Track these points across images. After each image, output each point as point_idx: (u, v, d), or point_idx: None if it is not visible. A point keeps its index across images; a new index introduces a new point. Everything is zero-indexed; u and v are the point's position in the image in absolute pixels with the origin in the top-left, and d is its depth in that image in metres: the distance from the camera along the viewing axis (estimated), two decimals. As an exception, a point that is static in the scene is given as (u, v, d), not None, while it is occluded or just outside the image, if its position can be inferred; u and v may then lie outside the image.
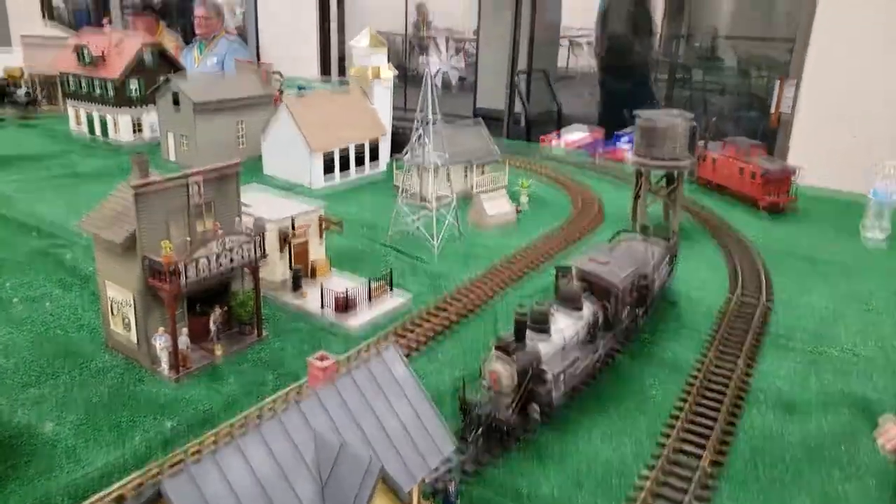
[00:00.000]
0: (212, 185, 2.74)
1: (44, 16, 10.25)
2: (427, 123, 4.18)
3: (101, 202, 2.69)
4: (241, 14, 13.08)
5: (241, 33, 11.33)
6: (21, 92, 5.99)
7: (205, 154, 4.94)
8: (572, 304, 2.93)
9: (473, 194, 4.44)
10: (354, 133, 4.94)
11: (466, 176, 4.61)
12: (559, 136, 7.13)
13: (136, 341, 2.65)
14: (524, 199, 4.61)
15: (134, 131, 5.28)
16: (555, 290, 3.01)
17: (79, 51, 5.45)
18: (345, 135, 4.88)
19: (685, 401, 3.00)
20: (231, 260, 2.72)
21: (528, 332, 2.55)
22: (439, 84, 3.70)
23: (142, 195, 2.48)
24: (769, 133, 7.21)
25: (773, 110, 7.20)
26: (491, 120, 6.76)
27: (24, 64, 6.69)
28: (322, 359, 1.84)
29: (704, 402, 2.98)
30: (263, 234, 2.96)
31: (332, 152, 4.75)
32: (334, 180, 4.79)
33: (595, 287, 3.02)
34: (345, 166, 4.88)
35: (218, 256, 2.70)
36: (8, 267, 3.15)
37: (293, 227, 3.25)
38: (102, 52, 5.39)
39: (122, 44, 5.62)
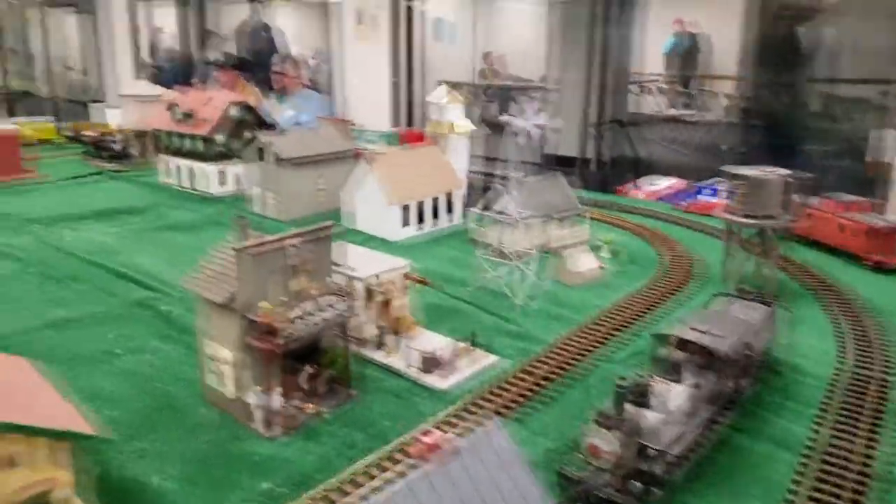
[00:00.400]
0: (307, 245, 2.86)
1: (136, 76, 11.10)
2: (507, 179, 4.25)
3: (202, 261, 2.84)
4: (314, 66, 13.74)
5: (315, 85, 11.89)
6: (116, 146, 6.44)
7: (287, 206, 5.16)
8: (673, 374, 2.85)
9: (555, 249, 4.44)
10: (431, 186, 5.05)
11: (547, 229, 4.61)
12: (638, 185, 7.06)
13: (232, 398, 2.75)
14: (608, 253, 4.55)
15: (220, 183, 5.58)
16: (652, 357, 2.94)
17: (171, 108, 5.85)
18: (422, 188, 5.00)
19: (799, 482, 2.84)
20: (325, 319, 2.81)
21: (629, 404, 2.50)
22: (522, 142, 3.83)
23: (243, 257, 2.61)
24: (864, 183, 6.92)
25: (868, 158, 6.92)
26: (560, 166, 6.80)
27: (120, 120, 7.22)
28: (426, 434, 1.85)
29: (824, 482, 2.81)
30: (353, 292, 3.04)
31: (410, 205, 4.88)
32: (412, 233, 4.89)
33: (697, 356, 2.94)
34: (421, 219, 4.98)
35: (312, 315, 2.80)
36: (111, 318, 3.34)
37: (379, 284, 3.33)
38: (193, 109, 5.76)
39: (210, 101, 6.00)
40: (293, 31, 14.94)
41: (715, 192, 5.53)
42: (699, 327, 3.08)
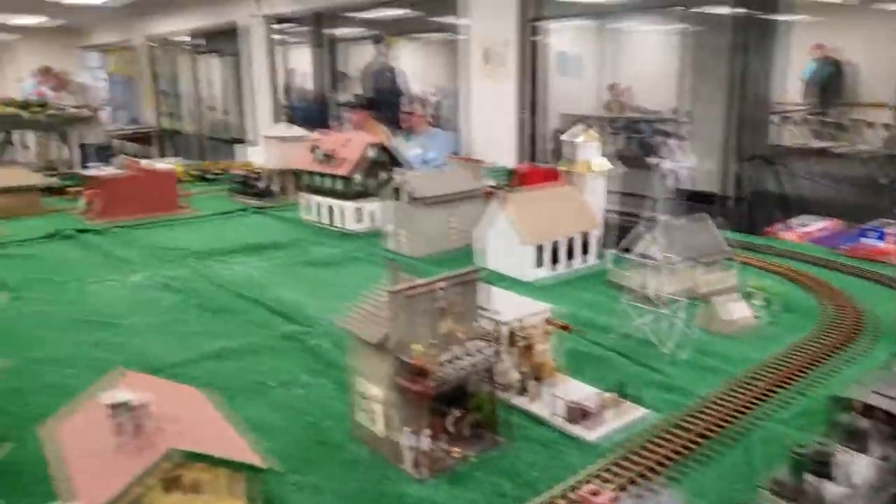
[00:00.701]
0: (454, 288, 2.92)
1: (274, 117, 12.00)
2: (651, 220, 4.13)
3: (355, 301, 2.97)
4: (436, 103, 14.20)
5: (438, 122, 12.28)
6: (260, 184, 6.97)
7: (419, 243, 5.30)
8: (856, 443, 2.61)
9: (703, 295, 4.24)
10: (566, 226, 5.02)
11: (694, 274, 4.43)
12: (788, 226, 6.61)
13: (382, 437, 2.83)
14: (761, 301, 4.28)
15: (357, 220, 5.85)
16: (831, 423, 2.71)
17: (313, 149, 6.24)
18: (557, 227, 4.97)
19: None
20: (473, 364, 2.85)
21: (809, 474, 2.31)
22: (671, 185, 3.67)
23: (396, 300, 2.71)
24: None
25: None
26: (695, 202, 6.51)
27: (262, 159, 7.79)
28: (595, 493, 1.80)
29: None
30: (499, 337, 3.06)
31: (544, 245, 4.86)
32: (545, 273, 4.87)
33: (883, 425, 2.68)
34: (556, 259, 4.95)
35: (461, 359, 2.84)
36: (263, 350, 3.56)
37: (521, 328, 3.33)
38: (333, 150, 6.12)
39: (349, 142, 6.33)
40: (414, 69, 15.53)
41: (882, 236, 5.06)
42: (886, 392, 2.79)
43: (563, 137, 5.34)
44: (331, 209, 6.06)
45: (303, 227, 5.77)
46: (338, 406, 3.14)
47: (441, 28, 13.23)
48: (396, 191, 5.39)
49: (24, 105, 11.33)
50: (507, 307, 3.62)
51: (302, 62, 15.72)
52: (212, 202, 6.67)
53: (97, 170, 6.19)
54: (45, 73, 17.69)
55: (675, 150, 3.57)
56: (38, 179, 6.38)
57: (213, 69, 18.32)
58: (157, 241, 5.33)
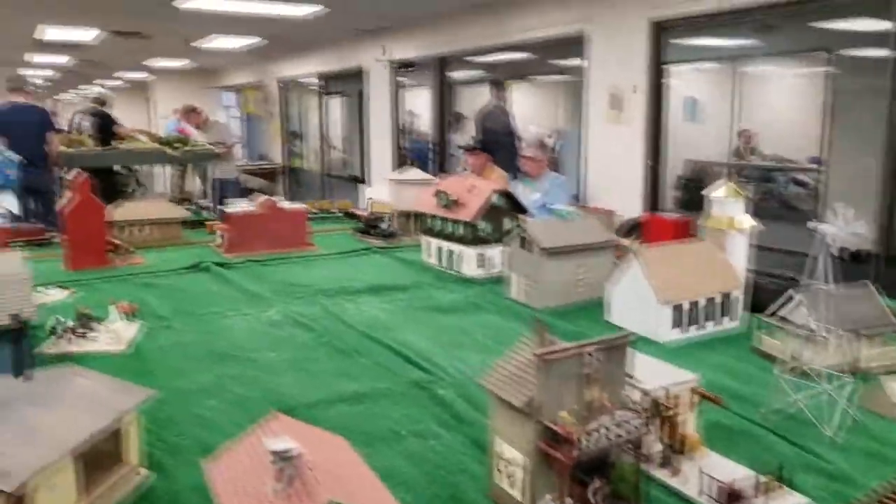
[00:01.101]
0: (601, 354, 2.84)
1: (395, 159, 12.46)
2: (807, 286, 3.87)
3: (498, 361, 2.95)
4: (553, 146, 14.20)
5: (556, 166, 12.25)
6: (383, 225, 7.18)
7: (543, 294, 5.21)
8: None
9: (866, 371, 3.89)
10: (706, 285, 4.79)
11: (855, 347, 4.08)
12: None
13: (520, 500, 2.77)
14: (936, 382, 3.85)
15: (478, 266, 5.89)
16: None
17: (438, 194, 6.38)
18: (695, 286, 4.75)
19: None
20: (620, 435, 2.74)
21: None
22: (835, 252, 3.45)
23: (543, 363, 2.66)
24: None
25: None
26: (849, 263, 6.05)
27: (383, 199, 8.05)
28: None
29: None
30: (647, 407, 2.93)
31: (682, 305, 4.66)
32: (682, 335, 4.65)
33: None
34: (693, 320, 4.74)
35: (608, 429, 2.74)
36: (393, 396, 3.59)
37: (667, 398, 3.18)
38: (457, 196, 6.23)
39: (474, 189, 6.43)
40: (529, 111, 15.65)
41: None
42: None
43: (704, 192, 5.16)
44: (451, 253, 6.14)
45: (423, 270, 5.86)
46: (470, 464, 3.10)
47: (562, 70, 13.31)
48: (523, 239, 5.38)
49: (167, 142, 12.40)
50: (651, 374, 3.47)
51: (417, 104, 16.28)
52: (334, 240, 6.96)
53: (235, 205, 6.61)
54: (189, 111, 19.44)
55: (839, 214, 3.34)
56: (181, 213, 6.89)
57: (334, 110, 19.35)
58: (288, 278, 5.59)
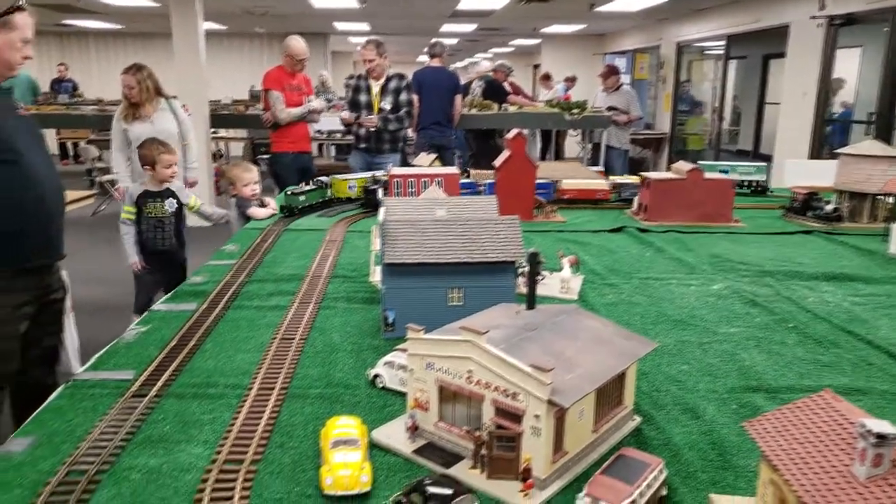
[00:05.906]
0: None
1: (812, 136, 11.10)
2: None
3: None
4: None
5: None
6: (829, 207, 6.44)
7: None
8: None
9: None
10: None
11: None
12: None
13: None
14: None
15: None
16: None
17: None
18: None
19: None
20: None
21: None
22: None
23: None
24: None
25: None
26: None
27: (835, 178, 7.12)
28: None
29: None
30: None
31: None
32: None
33: None
34: None
35: None
36: (874, 394, 3.21)
37: None
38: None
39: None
40: None
41: None
42: None
43: None
44: (937, 248, 5.25)
45: (890, 262, 5.15)
46: None
47: None
48: None
49: (565, 107, 13.10)
50: None
51: (843, 69, 14.36)
52: (758, 219, 6.57)
53: (655, 172, 6.64)
54: (571, 80, 20.47)
55: None
56: (602, 183, 7.18)
57: (730, 75, 18.22)
58: (720, 252, 5.45)
